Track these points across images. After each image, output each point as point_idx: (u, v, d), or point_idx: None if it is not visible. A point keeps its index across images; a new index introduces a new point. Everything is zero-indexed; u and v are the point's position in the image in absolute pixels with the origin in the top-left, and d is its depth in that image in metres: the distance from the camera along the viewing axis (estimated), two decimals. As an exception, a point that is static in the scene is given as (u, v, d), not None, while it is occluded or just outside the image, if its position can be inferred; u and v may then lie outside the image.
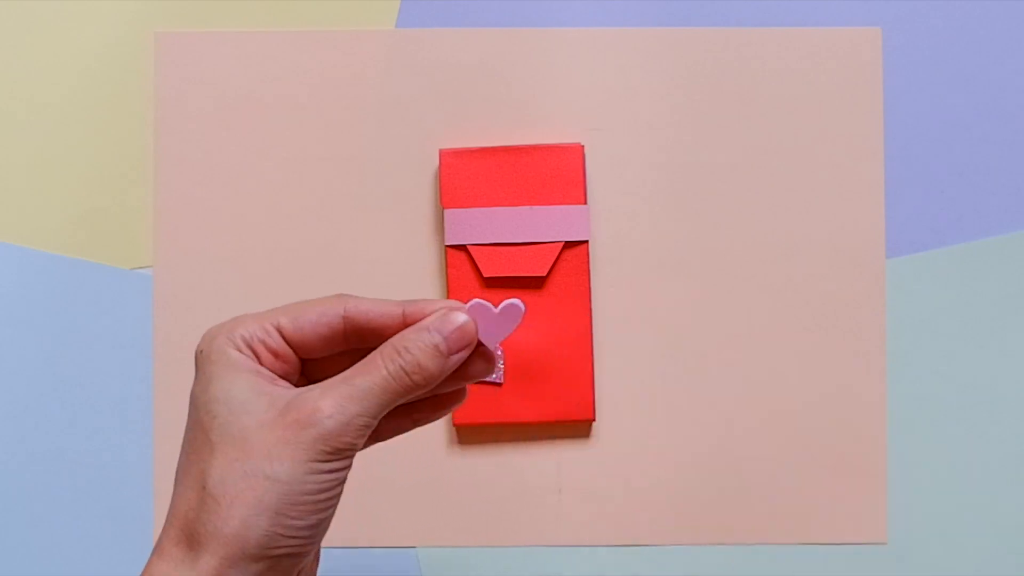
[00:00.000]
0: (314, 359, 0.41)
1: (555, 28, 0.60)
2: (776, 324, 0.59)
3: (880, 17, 0.60)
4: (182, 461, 0.40)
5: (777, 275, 0.60)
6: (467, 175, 0.58)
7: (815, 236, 0.60)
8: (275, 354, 0.41)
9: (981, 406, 0.59)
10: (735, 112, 0.60)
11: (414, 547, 0.59)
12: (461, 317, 0.39)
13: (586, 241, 0.58)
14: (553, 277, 0.58)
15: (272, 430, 0.37)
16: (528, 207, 0.58)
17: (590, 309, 0.58)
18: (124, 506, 0.59)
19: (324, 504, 0.37)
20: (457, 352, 0.39)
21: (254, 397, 0.39)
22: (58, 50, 0.60)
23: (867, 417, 0.59)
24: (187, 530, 0.38)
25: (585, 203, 0.58)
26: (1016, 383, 0.60)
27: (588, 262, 0.58)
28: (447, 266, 0.58)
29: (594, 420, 0.58)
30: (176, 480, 0.39)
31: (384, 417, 0.39)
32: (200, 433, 0.40)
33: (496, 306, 0.39)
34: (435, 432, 0.59)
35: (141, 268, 0.60)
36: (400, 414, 0.41)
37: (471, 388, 0.56)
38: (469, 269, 0.58)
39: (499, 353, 0.58)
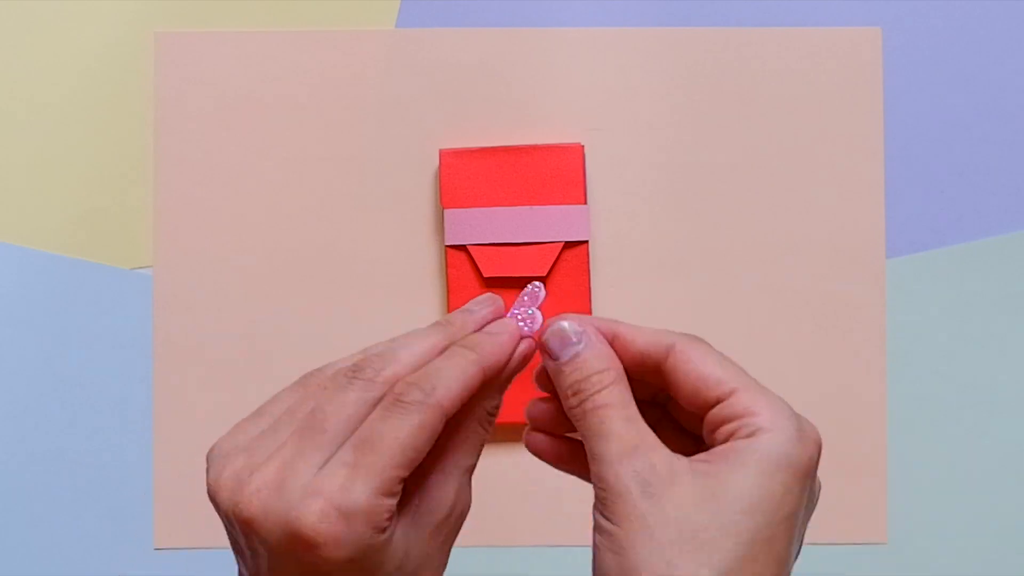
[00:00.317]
0: None
1: (555, 28, 0.60)
2: (776, 324, 0.59)
3: (880, 17, 0.60)
4: None
5: (777, 275, 0.60)
6: (467, 175, 0.58)
7: (815, 236, 0.60)
8: None
9: (981, 406, 0.59)
10: (735, 112, 0.60)
11: (414, 547, 0.59)
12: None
13: (586, 241, 0.58)
14: (553, 277, 0.58)
15: None
16: (528, 207, 0.58)
17: (590, 309, 0.58)
18: (124, 506, 0.59)
19: None
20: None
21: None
22: (58, 50, 0.60)
23: (867, 417, 0.59)
24: None
25: (585, 203, 0.58)
26: (1016, 383, 0.60)
27: (588, 262, 0.58)
28: (447, 266, 0.58)
29: (594, 420, 0.58)
30: None
31: None
32: None
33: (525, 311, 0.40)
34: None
35: (141, 268, 0.60)
36: None
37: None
38: (469, 269, 0.58)
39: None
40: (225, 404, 0.57)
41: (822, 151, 0.60)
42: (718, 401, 0.39)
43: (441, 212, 0.59)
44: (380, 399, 0.37)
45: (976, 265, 0.60)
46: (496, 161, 0.58)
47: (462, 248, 0.58)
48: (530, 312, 0.40)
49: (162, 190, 0.60)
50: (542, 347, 0.40)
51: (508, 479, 0.59)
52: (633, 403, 0.38)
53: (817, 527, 0.59)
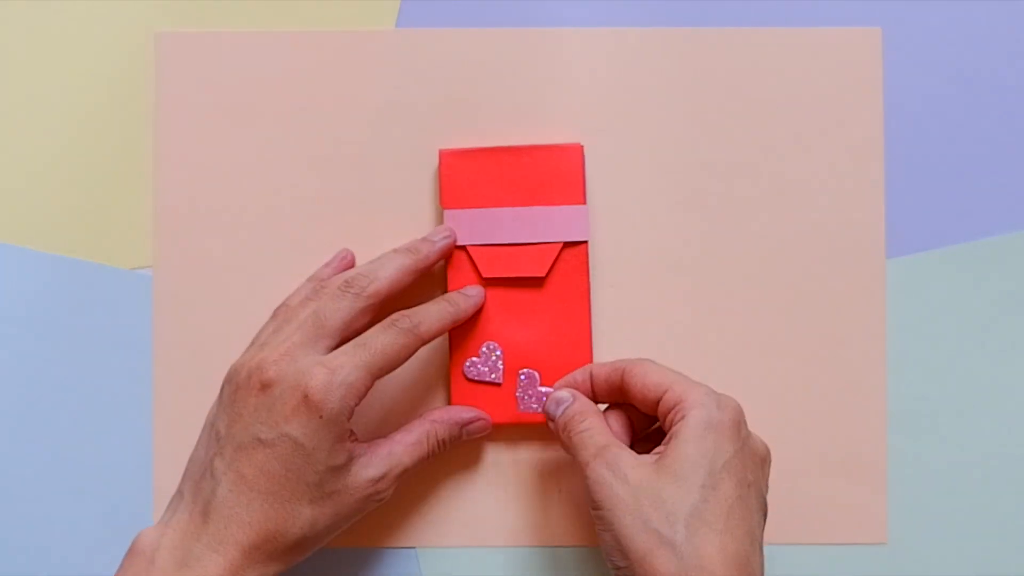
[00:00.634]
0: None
1: (555, 28, 0.60)
2: (776, 324, 0.59)
3: (880, 17, 0.60)
4: (266, 480, 0.50)
5: (777, 275, 0.60)
6: (467, 175, 0.58)
7: (815, 236, 0.60)
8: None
9: (981, 406, 0.59)
10: (735, 112, 0.60)
11: (414, 547, 0.59)
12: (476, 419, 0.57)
13: (585, 241, 0.58)
14: (552, 277, 0.58)
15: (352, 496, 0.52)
16: (527, 207, 0.58)
17: (589, 309, 0.58)
18: (124, 506, 0.59)
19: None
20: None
21: (347, 470, 0.51)
22: (58, 50, 0.60)
23: (867, 417, 0.59)
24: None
25: (584, 203, 0.58)
26: (1016, 383, 0.59)
27: (587, 262, 0.58)
28: (447, 266, 0.58)
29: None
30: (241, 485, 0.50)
31: None
32: (294, 476, 0.50)
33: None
34: (435, 432, 0.59)
35: (141, 268, 0.60)
36: None
37: (469, 387, 0.56)
38: (469, 269, 0.58)
39: (498, 353, 0.58)
40: (225, 404, 0.57)
41: (822, 151, 0.60)
42: (658, 399, 0.51)
43: (440, 212, 0.59)
44: (365, 309, 0.53)
45: (976, 265, 0.60)
46: (496, 161, 0.58)
47: (462, 248, 0.58)
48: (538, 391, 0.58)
49: (162, 190, 0.60)
50: (545, 412, 0.55)
51: (508, 479, 0.59)
52: (606, 430, 0.52)
53: (817, 527, 0.60)
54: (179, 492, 0.52)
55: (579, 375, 0.55)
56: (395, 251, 0.56)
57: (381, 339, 0.52)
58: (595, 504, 0.49)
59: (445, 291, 0.58)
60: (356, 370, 0.50)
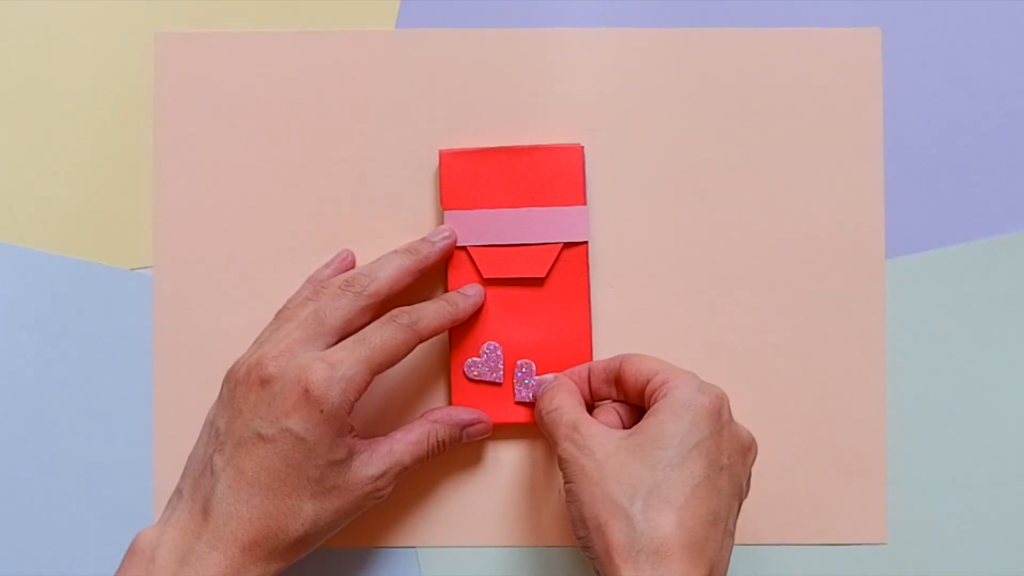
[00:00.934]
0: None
1: (555, 28, 0.60)
2: (775, 324, 0.59)
3: (880, 17, 0.60)
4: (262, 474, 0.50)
5: (777, 275, 0.60)
6: (467, 176, 0.58)
7: (815, 236, 0.60)
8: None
9: (981, 406, 0.59)
10: (735, 112, 0.60)
11: (414, 547, 0.59)
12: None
13: (585, 242, 0.58)
14: (552, 278, 0.58)
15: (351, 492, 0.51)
16: (528, 208, 0.58)
17: (589, 310, 0.58)
18: (124, 506, 0.59)
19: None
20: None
21: (348, 465, 0.51)
22: (58, 50, 0.60)
23: (867, 417, 0.59)
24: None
25: (585, 204, 0.58)
26: (1016, 383, 0.60)
27: (587, 263, 0.58)
28: (447, 267, 0.58)
29: (592, 420, 0.58)
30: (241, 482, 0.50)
31: None
32: (294, 471, 0.50)
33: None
34: (435, 432, 0.59)
35: (141, 268, 0.60)
36: None
37: (470, 387, 0.56)
38: (469, 270, 0.58)
39: (499, 353, 0.58)
40: (225, 404, 0.57)
41: (822, 151, 0.60)
42: (647, 383, 0.52)
43: (441, 213, 0.59)
44: (365, 308, 0.53)
45: (976, 265, 0.60)
46: (496, 162, 0.58)
47: (462, 249, 0.58)
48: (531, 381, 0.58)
49: (162, 190, 0.60)
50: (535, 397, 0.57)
51: (508, 479, 0.59)
52: (578, 408, 0.53)
53: (817, 527, 0.60)
54: (178, 490, 0.52)
55: (578, 368, 0.56)
56: (395, 252, 0.56)
57: (380, 334, 0.52)
58: (565, 479, 0.51)
59: (446, 291, 0.58)
60: (356, 364, 0.50)
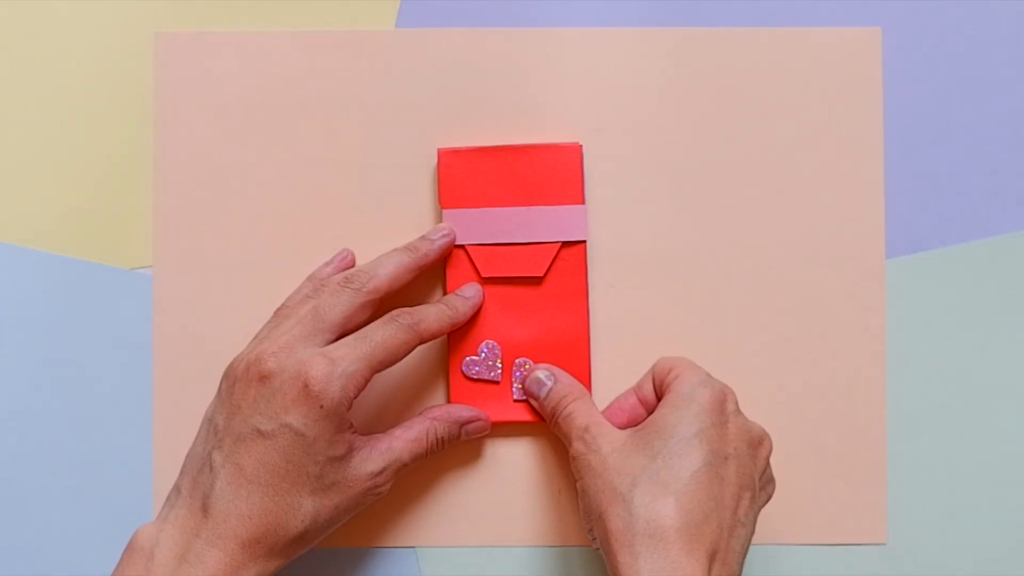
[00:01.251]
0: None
1: (555, 28, 0.60)
2: (775, 324, 0.59)
3: (880, 17, 0.60)
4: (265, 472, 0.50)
5: (777, 275, 0.60)
6: (466, 175, 0.58)
7: (815, 236, 0.60)
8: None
9: (981, 406, 0.59)
10: (735, 112, 0.60)
11: (414, 547, 0.59)
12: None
13: (584, 241, 0.58)
14: (550, 277, 0.58)
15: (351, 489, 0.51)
16: (526, 207, 0.58)
17: (587, 309, 0.58)
18: (124, 506, 0.59)
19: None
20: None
21: (347, 462, 0.51)
22: (58, 50, 0.60)
23: (867, 417, 0.59)
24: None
25: (583, 203, 0.58)
26: (1016, 383, 0.59)
27: (585, 262, 0.58)
28: (445, 265, 0.58)
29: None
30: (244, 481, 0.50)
31: None
32: (294, 467, 0.50)
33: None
34: (434, 432, 0.59)
35: (141, 268, 0.60)
36: None
37: (468, 385, 0.56)
38: (467, 268, 0.58)
39: (497, 352, 0.58)
40: (225, 404, 0.57)
41: (822, 151, 0.60)
42: (663, 380, 0.54)
43: (439, 212, 0.59)
44: (364, 304, 0.53)
45: (976, 265, 0.60)
46: (495, 161, 0.58)
47: (461, 248, 0.58)
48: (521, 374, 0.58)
49: (162, 190, 0.60)
50: (526, 392, 0.57)
51: (508, 478, 0.59)
52: (590, 410, 0.54)
53: (817, 527, 0.59)
54: (176, 488, 0.52)
55: (628, 396, 0.57)
56: (395, 250, 0.56)
57: (382, 332, 0.52)
58: (575, 477, 0.52)
59: (445, 289, 0.58)
60: (357, 361, 0.50)
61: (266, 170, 0.60)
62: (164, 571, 0.48)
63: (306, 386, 0.49)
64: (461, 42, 0.60)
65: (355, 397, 0.51)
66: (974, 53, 0.60)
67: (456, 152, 0.58)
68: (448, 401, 0.59)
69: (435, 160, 0.59)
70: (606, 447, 0.51)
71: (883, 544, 0.59)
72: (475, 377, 0.58)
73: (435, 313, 0.55)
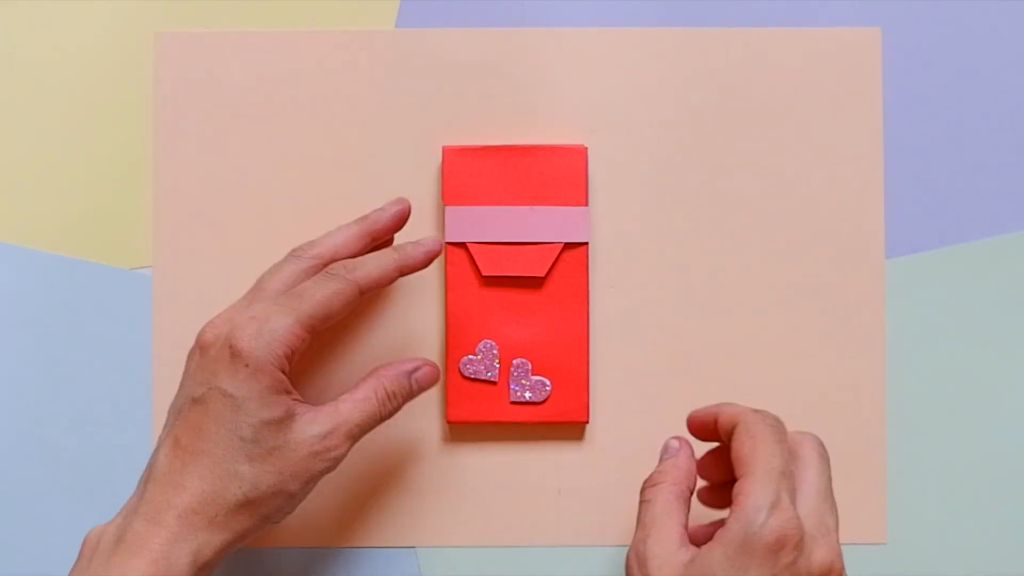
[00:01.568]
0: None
1: (556, 28, 0.60)
2: (775, 324, 0.59)
3: (880, 17, 0.60)
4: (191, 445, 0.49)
5: (777, 275, 0.60)
6: (469, 173, 0.58)
7: (815, 236, 0.60)
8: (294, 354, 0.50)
9: (981, 406, 0.59)
10: (735, 112, 0.60)
11: (414, 547, 0.59)
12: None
13: (586, 243, 0.58)
14: (552, 278, 0.58)
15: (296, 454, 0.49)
16: (529, 207, 0.58)
17: (588, 311, 0.58)
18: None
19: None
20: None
21: (288, 426, 0.49)
22: (57, 50, 0.60)
23: (867, 417, 0.59)
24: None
25: (587, 205, 0.58)
26: (1016, 383, 0.59)
27: (587, 264, 0.58)
28: (446, 263, 0.58)
29: (587, 422, 0.58)
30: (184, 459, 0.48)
31: None
32: (225, 431, 0.48)
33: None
34: (434, 431, 0.59)
35: (141, 268, 0.60)
36: None
37: (464, 385, 0.56)
38: (468, 267, 0.58)
39: (495, 351, 0.58)
40: (225, 404, 0.57)
41: (822, 151, 0.60)
42: (735, 480, 0.47)
43: (442, 209, 0.59)
44: (307, 269, 0.52)
45: (976, 265, 0.60)
46: (499, 160, 0.58)
47: (461, 246, 0.58)
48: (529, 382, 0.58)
49: (162, 190, 0.60)
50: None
51: (507, 479, 0.59)
52: (668, 503, 0.49)
53: (817, 527, 0.59)
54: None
55: (707, 410, 0.52)
56: (350, 223, 0.55)
57: (313, 287, 0.50)
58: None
59: (443, 289, 0.58)
60: (284, 317, 0.49)
61: (266, 170, 0.60)
62: (102, 558, 0.47)
63: (231, 347, 0.48)
64: (461, 42, 0.60)
65: (287, 356, 0.49)
66: (974, 53, 0.60)
67: (461, 150, 0.58)
68: (444, 400, 0.59)
69: (435, 160, 0.59)
70: (655, 573, 0.46)
71: (883, 544, 0.59)
72: (472, 377, 0.58)
73: (377, 259, 0.52)
